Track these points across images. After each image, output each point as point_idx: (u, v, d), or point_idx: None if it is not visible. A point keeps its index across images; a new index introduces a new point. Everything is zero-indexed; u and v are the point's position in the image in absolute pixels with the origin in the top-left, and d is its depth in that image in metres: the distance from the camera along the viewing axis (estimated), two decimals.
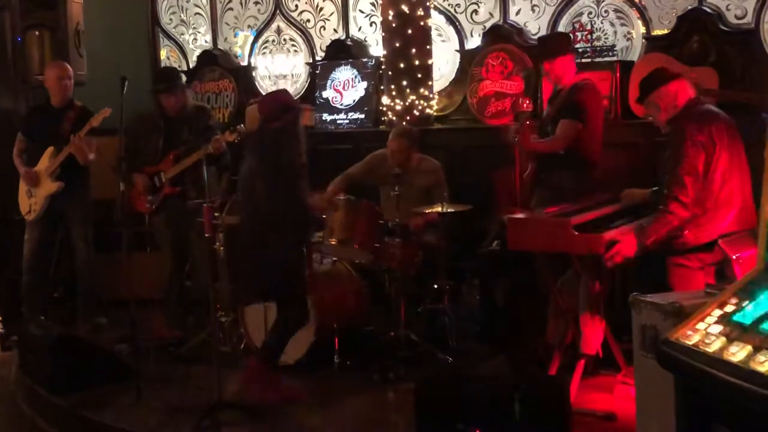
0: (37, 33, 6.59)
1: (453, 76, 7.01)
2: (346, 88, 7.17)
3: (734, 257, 4.08)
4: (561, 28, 6.61)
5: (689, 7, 6.05)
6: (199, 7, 8.34)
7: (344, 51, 7.36)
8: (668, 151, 4.17)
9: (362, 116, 7.11)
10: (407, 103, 6.58)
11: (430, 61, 6.69)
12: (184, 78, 7.90)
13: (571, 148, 4.90)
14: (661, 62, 5.71)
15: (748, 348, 2.43)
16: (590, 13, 6.55)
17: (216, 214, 5.11)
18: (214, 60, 7.95)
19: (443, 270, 5.55)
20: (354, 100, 7.15)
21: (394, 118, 6.56)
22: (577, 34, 6.31)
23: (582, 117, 4.90)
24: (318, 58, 7.67)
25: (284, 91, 5.36)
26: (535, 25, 6.72)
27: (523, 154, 5.16)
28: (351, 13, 7.55)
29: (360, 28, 7.55)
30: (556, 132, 4.95)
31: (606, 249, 4.00)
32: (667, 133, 4.26)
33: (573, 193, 4.76)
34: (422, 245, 5.48)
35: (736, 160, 4.16)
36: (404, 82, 6.59)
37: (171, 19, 8.52)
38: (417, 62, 6.59)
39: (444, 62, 7.11)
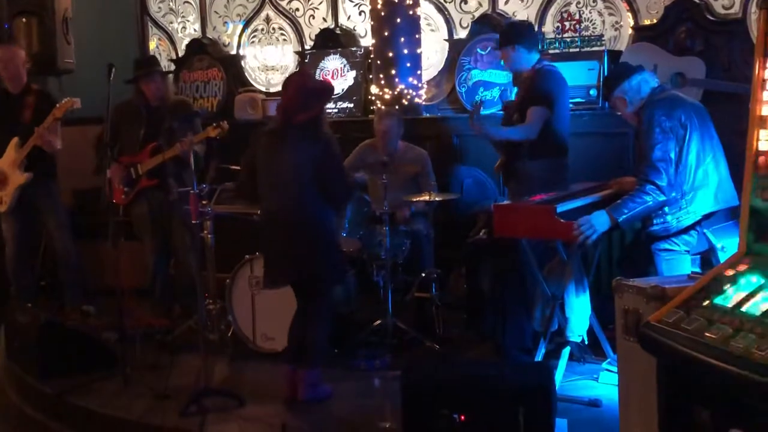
0: (24, 20, 6.54)
1: (442, 65, 7.01)
2: (335, 77, 7.16)
3: (719, 246, 4.13)
4: (549, 18, 6.63)
5: None
6: None
7: (333, 40, 7.35)
8: (639, 140, 4.21)
9: (351, 105, 7.10)
10: (396, 93, 6.58)
11: (419, 51, 6.69)
12: (173, 67, 7.93)
13: (540, 136, 4.83)
14: (648, 52, 5.76)
15: (728, 330, 2.46)
16: (578, 2, 6.56)
17: (203, 202, 5.11)
18: (203, 49, 7.92)
19: (430, 258, 5.56)
20: (343, 89, 7.14)
21: (382, 107, 6.56)
22: (566, 23, 6.33)
23: (547, 101, 4.83)
24: (307, 47, 7.66)
25: (307, 75, 5.03)
26: (524, 14, 6.71)
27: (498, 143, 5.17)
28: (340, 2, 7.54)
29: (349, 17, 7.54)
30: (527, 119, 4.87)
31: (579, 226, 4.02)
32: (636, 124, 4.30)
33: (545, 182, 4.73)
34: (410, 234, 5.49)
35: (708, 141, 4.22)
36: (393, 72, 6.58)
37: (160, 8, 8.49)
38: (406, 51, 6.57)
39: (433, 51, 7.11)
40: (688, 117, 4.16)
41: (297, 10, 7.79)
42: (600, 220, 4.04)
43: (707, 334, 2.48)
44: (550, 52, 6.05)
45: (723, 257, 4.04)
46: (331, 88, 4.74)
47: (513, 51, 4.96)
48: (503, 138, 5.13)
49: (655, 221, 4.18)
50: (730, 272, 2.73)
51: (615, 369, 4.31)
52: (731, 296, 2.61)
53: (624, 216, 4.06)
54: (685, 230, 4.18)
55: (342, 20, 7.56)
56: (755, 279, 2.64)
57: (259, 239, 4.68)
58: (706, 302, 2.64)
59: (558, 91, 4.92)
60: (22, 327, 5.28)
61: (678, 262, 4.13)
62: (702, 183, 4.17)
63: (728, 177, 4.23)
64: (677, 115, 4.14)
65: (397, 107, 6.47)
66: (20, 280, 6.15)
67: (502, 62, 5.45)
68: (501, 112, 5.59)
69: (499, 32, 5.31)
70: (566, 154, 5.02)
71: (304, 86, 4.47)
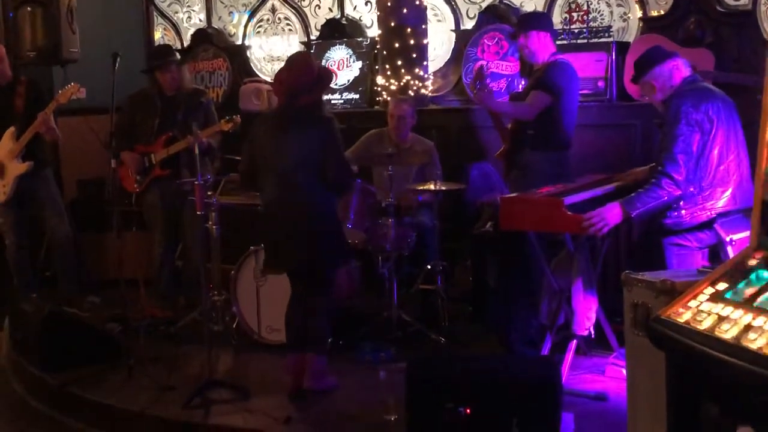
0: (29, 9, 6.50)
1: (448, 56, 6.97)
2: (340, 67, 7.13)
3: (728, 239, 4.08)
4: (557, 9, 6.58)
5: None
6: None
7: (339, 30, 7.32)
8: (663, 129, 4.15)
9: (357, 96, 7.07)
10: (402, 84, 6.55)
11: (425, 41, 6.65)
12: (178, 57, 7.89)
13: (542, 127, 4.81)
14: (657, 43, 5.70)
15: (740, 325, 2.42)
16: None
17: (209, 193, 5.09)
18: (209, 39, 7.89)
19: (436, 251, 5.53)
20: (349, 80, 7.11)
21: (389, 98, 6.52)
22: (573, 14, 6.28)
23: (554, 91, 4.80)
24: (312, 37, 7.62)
25: (311, 57, 5.00)
26: (531, 5, 6.67)
27: (502, 131, 5.15)
28: None
29: (355, 8, 7.50)
30: (527, 100, 4.87)
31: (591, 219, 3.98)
32: (663, 112, 4.23)
33: (547, 174, 4.70)
34: (415, 226, 5.46)
35: (732, 138, 4.13)
36: (399, 62, 6.56)
37: None
38: (412, 42, 6.55)
39: (439, 42, 7.07)
40: (717, 111, 4.07)
41: (303, 0, 7.75)
42: (612, 213, 3.99)
43: (718, 330, 2.44)
44: (558, 43, 5.99)
45: (732, 251, 4.01)
46: (331, 72, 4.71)
47: (544, 37, 4.93)
48: (500, 110, 5.15)
49: (668, 214, 4.11)
50: (741, 266, 2.69)
51: (621, 363, 4.29)
52: (742, 291, 2.57)
53: (637, 210, 4.00)
54: (699, 227, 4.11)
55: (348, 10, 7.51)
56: (767, 274, 2.60)
57: (260, 225, 4.63)
58: (717, 297, 2.61)
59: (567, 84, 4.89)
60: (26, 318, 5.27)
61: (688, 258, 4.06)
62: (722, 180, 4.09)
63: (749, 178, 4.14)
64: (705, 108, 4.04)
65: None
66: (21, 272, 6.13)
67: (512, 46, 5.40)
68: None
69: (523, 18, 5.30)
70: (569, 148, 4.98)
71: (310, 68, 4.40)
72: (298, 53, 4.67)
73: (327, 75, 4.55)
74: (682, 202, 4.09)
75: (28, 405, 4.93)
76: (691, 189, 4.07)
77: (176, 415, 4.28)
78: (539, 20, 5.08)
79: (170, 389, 4.55)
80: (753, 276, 2.61)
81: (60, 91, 5.68)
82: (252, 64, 7.92)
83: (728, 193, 4.11)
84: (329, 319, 4.56)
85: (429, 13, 6.79)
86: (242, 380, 4.63)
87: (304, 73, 4.35)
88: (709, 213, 4.10)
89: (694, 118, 4.02)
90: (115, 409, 4.47)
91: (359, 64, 7.07)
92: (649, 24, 6.17)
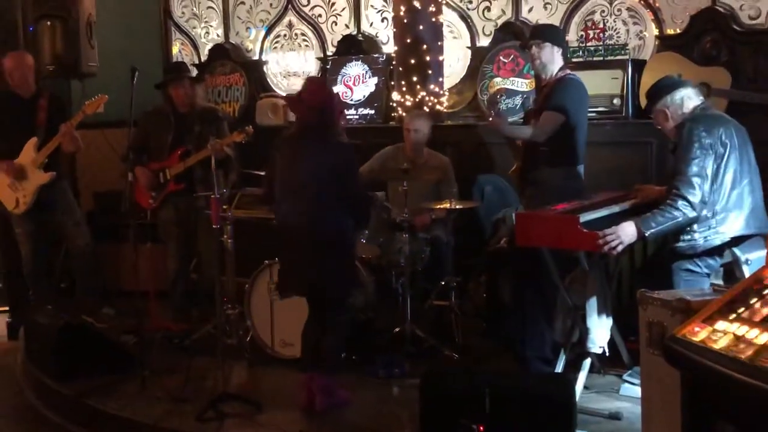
0: (48, 23, 6.57)
1: (464, 72, 7.00)
2: (356, 83, 7.16)
3: (743, 258, 4.07)
4: (573, 26, 6.60)
5: (702, 7, 6.01)
6: (211, 1, 8.34)
7: (355, 46, 7.36)
8: (676, 153, 4.14)
9: (372, 112, 7.10)
10: (417, 100, 6.57)
11: (441, 58, 6.67)
12: (195, 71, 7.96)
13: (555, 144, 4.80)
14: (673, 61, 5.71)
15: (756, 345, 2.42)
16: (603, 11, 6.53)
17: (224, 207, 5.12)
18: (226, 54, 7.95)
19: (450, 266, 5.53)
20: (364, 96, 7.14)
21: (404, 114, 6.54)
22: (590, 32, 6.29)
23: (565, 110, 4.79)
24: (329, 53, 7.67)
25: (324, 81, 5.06)
26: (547, 23, 6.67)
27: (515, 149, 5.17)
28: (363, 9, 7.54)
29: (372, 24, 7.54)
30: (539, 122, 4.86)
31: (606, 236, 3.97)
32: (676, 138, 4.23)
33: (562, 190, 4.70)
34: (429, 241, 5.47)
35: (746, 164, 4.13)
36: (415, 78, 6.58)
37: (183, 13, 8.52)
38: (428, 58, 6.57)
39: (455, 59, 7.09)
40: (729, 136, 4.07)
41: (320, 16, 7.80)
42: (627, 231, 3.97)
43: (734, 349, 2.43)
44: (574, 60, 6.00)
45: (747, 270, 4.00)
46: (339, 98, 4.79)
47: (557, 51, 4.92)
48: (512, 135, 5.17)
49: (682, 237, 4.09)
50: (756, 286, 2.68)
51: (635, 381, 4.28)
52: (758, 310, 2.56)
53: (652, 230, 3.98)
54: (711, 252, 4.09)
55: (364, 27, 7.55)
56: None
57: (276, 247, 4.64)
58: (733, 316, 2.60)
59: (579, 102, 4.89)
60: (41, 329, 5.30)
61: (697, 285, 4.02)
62: (736, 205, 4.07)
63: (763, 205, 4.15)
64: (718, 133, 4.04)
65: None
66: (37, 283, 6.17)
67: (527, 63, 5.40)
68: (521, 119, 5.58)
69: (539, 29, 5.27)
70: (581, 163, 4.98)
71: (327, 87, 4.51)
72: (310, 78, 4.75)
73: (339, 98, 4.62)
74: (696, 225, 4.06)
75: (42, 416, 4.95)
76: (705, 212, 4.05)
77: (189, 428, 4.28)
78: (554, 34, 5.07)
79: (183, 402, 4.56)
80: None
81: (87, 102, 5.74)
82: (268, 80, 7.97)
83: (742, 218, 4.09)
84: (343, 338, 4.56)
85: (445, 30, 6.82)
86: (255, 394, 4.62)
87: (322, 90, 4.46)
88: (722, 237, 4.08)
89: (708, 142, 4.01)
90: (129, 420, 4.48)
91: (375, 79, 7.11)
92: (665, 42, 6.17)
